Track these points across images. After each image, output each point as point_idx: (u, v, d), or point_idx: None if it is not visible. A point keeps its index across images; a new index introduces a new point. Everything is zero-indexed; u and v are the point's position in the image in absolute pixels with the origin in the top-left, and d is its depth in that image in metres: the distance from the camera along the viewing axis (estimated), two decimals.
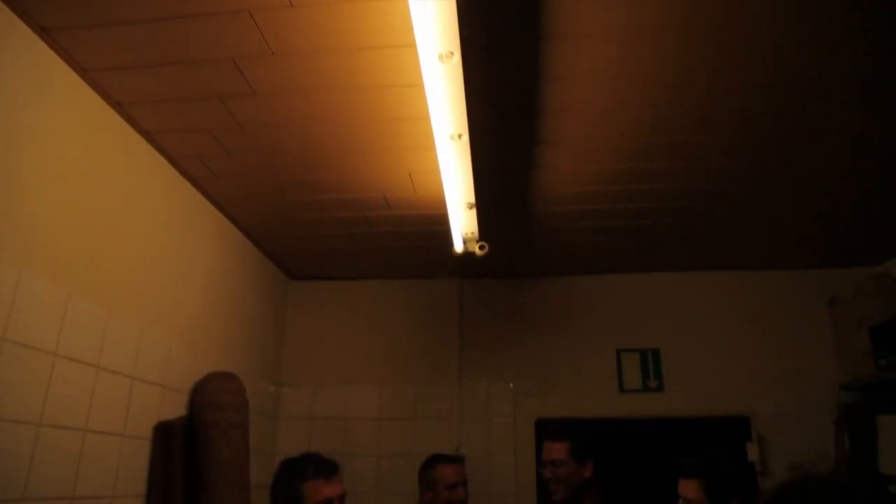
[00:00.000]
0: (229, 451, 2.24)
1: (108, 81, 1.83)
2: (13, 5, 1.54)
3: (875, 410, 2.72)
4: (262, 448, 2.94)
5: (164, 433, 2.13)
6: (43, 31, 1.63)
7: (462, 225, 2.36)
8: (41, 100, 1.65)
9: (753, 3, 1.57)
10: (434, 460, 2.82)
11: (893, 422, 2.64)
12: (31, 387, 1.60)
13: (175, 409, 2.24)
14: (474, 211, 2.26)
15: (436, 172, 2.09)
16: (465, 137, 1.78)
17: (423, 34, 1.38)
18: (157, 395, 2.15)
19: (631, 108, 1.96)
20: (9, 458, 1.51)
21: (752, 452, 2.94)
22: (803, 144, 2.16)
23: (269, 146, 2.18)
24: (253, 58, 1.73)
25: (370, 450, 3.19)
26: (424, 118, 1.82)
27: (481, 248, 2.43)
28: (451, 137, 1.78)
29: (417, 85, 1.74)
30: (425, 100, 1.64)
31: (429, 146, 1.99)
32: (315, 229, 2.87)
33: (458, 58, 1.44)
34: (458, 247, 2.47)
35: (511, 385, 3.25)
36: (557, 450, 2.55)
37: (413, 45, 1.46)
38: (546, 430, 2.84)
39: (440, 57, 1.44)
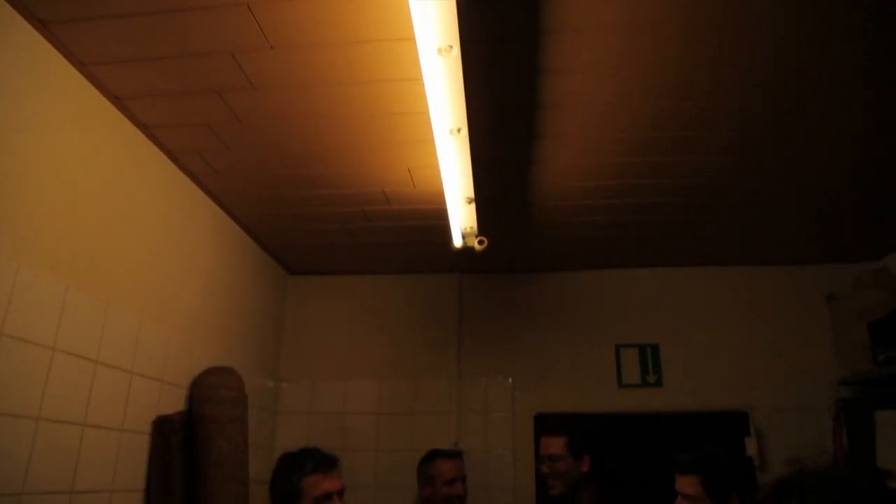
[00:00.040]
0: (228, 445, 2.24)
1: (106, 75, 1.82)
2: None
3: (873, 405, 2.72)
4: (260, 443, 2.94)
5: (162, 428, 2.13)
6: (41, 25, 1.62)
7: (461, 220, 2.36)
8: (39, 93, 1.65)
9: (754, 1, 1.56)
10: (433, 455, 2.82)
11: (891, 417, 2.64)
12: (30, 381, 1.59)
13: (174, 403, 2.24)
14: (473, 206, 2.25)
15: (435, 167, 2.09)
16: (465, 132, 1.77)
17: (423, 27, 1.37)
18: (155, 389, 2.15)
19: (631, 102, 1.96)
20: (7, 452, 1.51)
21: (751, 447, 2.94)
22: (803, 141, 2.16)
23: (268, 140, 2.18)
24: (251, 51, 1.72)
25: (369, 444, 3.20)
26: (423, 112, 1.81)
27: (480, 242, 2.43)
28: (451, 132, 1.77)
29: (416, 79, 1.74)
30: (424, 94, 1.63)
31: (428, 140, 1.99)
32: (314, 224, 2.87)
33: (457, 51, 1.43)
34: (458, 242, 2.47)
35: (510, 380, 3.25)
36: (555, 444, 2.56)
37: (412, 39, 1.45)
38: (545, 424, 2.85)
39: (439, 50, 1.43)
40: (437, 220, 2.64)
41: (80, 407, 1.77)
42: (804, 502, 0.92)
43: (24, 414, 1.57)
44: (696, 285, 3.30)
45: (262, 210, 2.73)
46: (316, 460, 2.24)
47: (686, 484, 2.12)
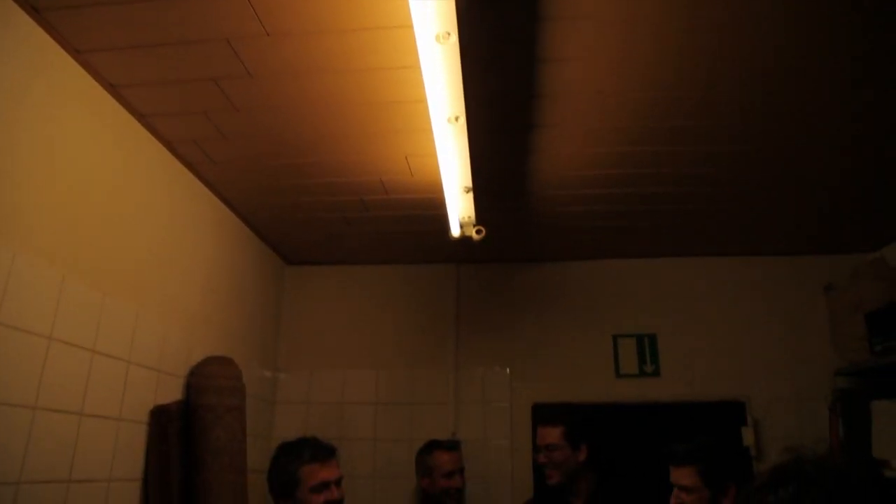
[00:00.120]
0: (226, 434, 2.25)
1: (101, 63, 1.81)
2: None
3: (870, 396, 2.73)
4: (258, 432, 2.94)
5: (160, 417, 2.13)
6: (35, 12, 1.60)
7: (459, 209, 2.35)
8: (33, 82, 1.63)
9: None
10: (431, 447, 2.83)
11: (887, 407, 2.65)
12: (27, 370, 1.59)
13: (171, 393, 2.24)
14: (471, 195, 2.25)
15: (433, 156, 2.08)
16: (463, 120, 1.76)
17: (420, 14, 1.36)
18: (153, 379, 2.15)
19: (631, 91, 1.95)
20: (4, 441, 1.51)
21: (748, 437, 2.96)
22: (803, 132, 2.15)
23: (265, 129, 2.17)
24: (248, 38, 1.71)
25: (367, 434, 3.20)
26: (421, 100, 1.80)
27: (478, 232, 2.42)
28: (448, 120, 1.76)
29: (414, 67, 1.72)
30: (422, 82, 1.62)
31: (426, 129, 1.98)
32: (311, 214, 2.86)
33: (455, 38, 1.42)
34: (455, 231, 2.46)
35: (507, 370, 3.26)
36: (552, 434, 2.57)
37: (410, 26, 1.44)
38: (542, 414, 2.85)
39: (437, 38, 1.42)
40: (435, 209, 2.63)
41: (76, 396, 1.77)
42: (801, 490, 0.93)
43: (20, 403, 1.56)
44: (694, 275, 3.30)
45: (260, 199, 2.72)
46: (313, 449, 2.25)
47: (682, 475, 2.12)
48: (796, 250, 3.21)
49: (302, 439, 2.32)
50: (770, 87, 1.90)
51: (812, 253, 3.21)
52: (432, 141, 1.93)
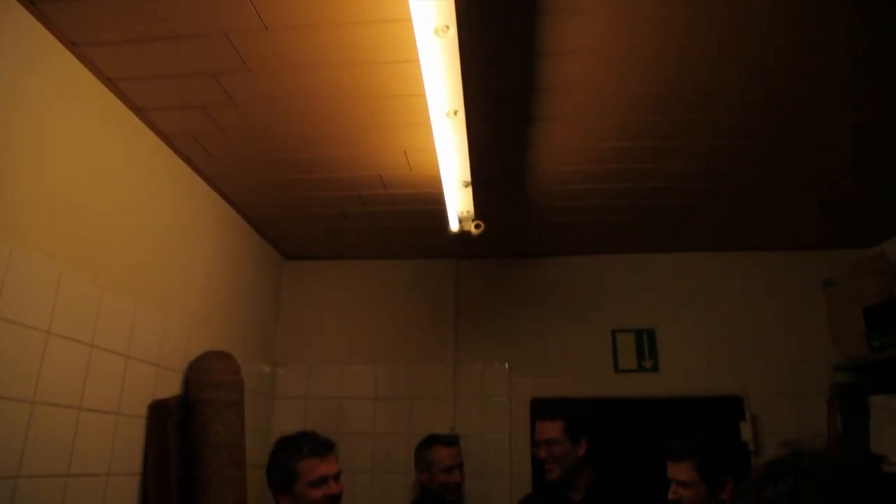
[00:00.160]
0: (225, 429, 2.25)
1: (98, 56, 1.80)
2: None
3: (868, 391, 2.73)
4: (257, 427, 2.94)
5: (159, 411, 2.13)
6: (31, 4, 1.59)
7: (458, 203, 2.35)
8: (30, 75, 1.62)
9: None
10: (430, 441, 2.83)
11: (885, 402, 2.66)
12: (25, 365, 1.59)
13: (170, 387, 2.24)
14: (470, 189, 2.24)
15: (431, 150, 2.07)
16: (461, 114, 1.76)
17: (419, 8, 1.36)
18: (151, 373, 2.15)
19: (630, 85, 1.94)
20: (3, 436, 1.51)
21: (746, 432, 2.96)
22: (803, 127, 2.15)
23: (263, 123, 2.16)
24: (246, 32, 1.70)
25: (365, 429, 3.20)
26: (420, 94, 1.80)
27: (477, 226, 2.42)
28: (447, 114, 1.76)
29: (413, 60, 1.72)
30: (421, 76, 1.62)
31: (424, 123, 1.97)
32: (310, 208, 2.86)
33: (454, 32, 1.42)
34: (454, 226, 2.46)
35: (506, 365, 3.26)
36: (551, 429, 2.57)
37: (408, 20, 1.43)
38: (541, 409, 2.85)
39: (436, 31, 1.41)
40: (434, 204, 2.63)
41: (75, 391, 1.77)
42: (799, 484, 0.93)
43: (19, 397, 1.56)
44: (693, 271, 3.30)
45: (258, 194, 2.71)
46: (312, 444, 2.25)
47: (680, 470, 2.13)
48: (796, 245, 3.21)
49: (301, 434, 2.32)
50: (770, 82, 1.90)
51: (811, 248, 3.21)
52: (431, 135, 1.93)
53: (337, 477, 2.25)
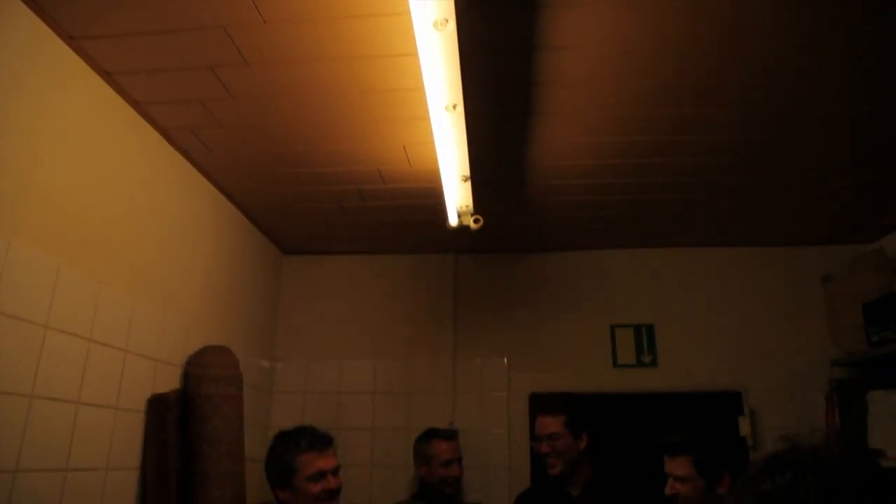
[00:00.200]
0: (223, 423, 2.25)
1: (95, 50, 1.79)
2: None
3: (866, 386, 2.74)
4: (256, 421, 2.94)
5: (157, 406, 2.13)
6: None
7: (457, 198, 2.34)
8: (28, 69, 1.62)
9: None
10: (429, 435, 2.83)
11: (884, 397, 2.66)
12: (23, 359, 1.59)
13: (168, 382, 2.24)
14: (469, 184, 2.24)
15: (430, 144, 2.07)
16: (461, 108, 1.75)
17: (418, 1, 1.35)
18: (150, 368, 2.15)
19: (631, 80, 1.93)
20: (1, 430, 1.51)
21: (744, 427, 2.96)
22: (803, 123, 2.15)
23: (262, 117, 2.15)
24: (244, 25, 1.69)
25: (364, 424, 3.21)
26: (419, 88, 1.79)
27: (476, 221, 2.41)
28: (446, 108, 1.75)
29: (412, 54, 1.71)
30: (420, 69, 1.61)
31: (423, 118, 1.97)
32: (308, 203, 2.85)
33: (453, 25, 1.41)
34: (453, 220, 2.45)
35: (505, 360, 3.26)
36: (553, 424, 2.56)
37: (407, 13, 1.42)
38: (540, 404, 2.85)
39: (435, 24, 1.41)
40: (433, 199, 2.62)
41: (73, 385, 1.77)
42: (798, 477, 0.92)
43: (17, 392, 1.56)
44: (692, 266, 3.30)
45: (257, 188, 2.71)
46: (311, 438, 2.25)
47: (677, 465, 2.13)
48: (795, 241, 3.21)
49: (299, 428, 2.32)
50: (771, 77, 1.90)
51: (811, 244, 3.21)
52: (430, 130, 1.92)
53: (335, 471, 2.25)
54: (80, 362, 1.80)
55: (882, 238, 3.05)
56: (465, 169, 2.14)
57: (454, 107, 1.74)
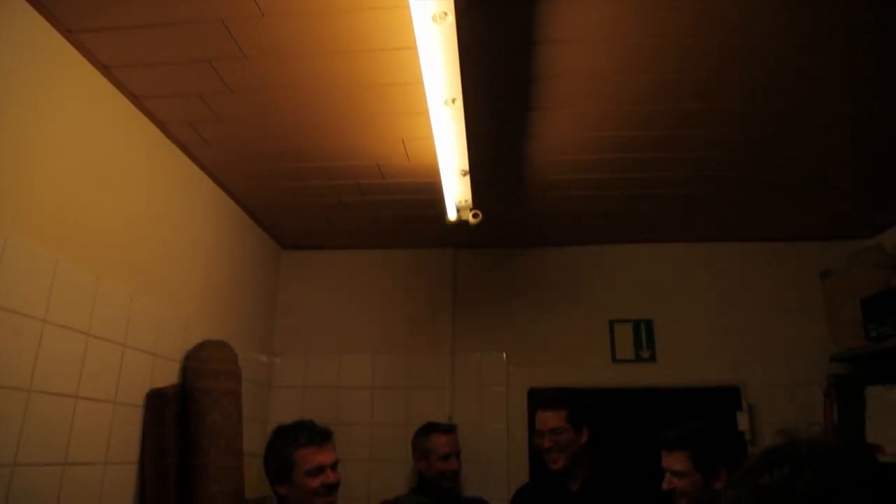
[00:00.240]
0: (222, 418, 2.25)
1: (93, 43, 1.78)
2: None
3: (864, 381, 2.74)
4: (255, 416, 2.94)
5: (156, 400, 2.13)
6: None
7: (456, 193, 2.34)
8: (24, 62, 1.61)
9: None
10: (428, 429, 2.84)
11: (882, 392, 2.66)
12: (21, 353, 1.58)
13: (167, 376, 2.24)
14: (468, 178, 2.23)
15: (429, 139, 2.06)
16: (459, 102, 1.75)
17: None
18: (148, 362, 2.14)
19: (632, 75, 1.93)
20: None
21: (743, 422, 2.97)
22: (804, 119, 2.14)
23: (260, 112, 2.15)
24: (242, 19, 1.69)
25: (363, 418, 3.21)
26: (417, 83, 1.78)
27: (475, 216, 2.41)
28: (445, 102, 1.75)
29: (410, 48, 1.70)
30: (418, 63, 1.61)
31: (422, 112, 1.96)
32: (307, 198, 2.85)
33: (452, 19, 1.41)
34: (452, 215, 2.45)
35: (504, 355, 3.26)
36: (554, 418, 2.55)
37: (406, 6, 1.42)
38: (539, 399, 2.85)
39: (434, 18, 1.40)
40: (432, 193, 2.62)
41: (72, 379, 1.77)
42: (795, 471, 0.92)
43: (15, 386, 1.56)
44: (691, 261, 3.30)
45: (255, 183, 2.70)
46: (309, 433, 2.25)
47: (674, 460, 2.13)
48: (794, 236, 3.21)
49: (298, 423, 2.32)
50: (772, 73, 1.89)
51: (809, 239, 3.21)
52: (429, 124, 1.92)
53: (334, 466, 2.25)
54: (79, 357, 1.80)
55: (881, 234, 3.05)
56: (464, 163, 2.14)
57: (453, 101, 1.74)
